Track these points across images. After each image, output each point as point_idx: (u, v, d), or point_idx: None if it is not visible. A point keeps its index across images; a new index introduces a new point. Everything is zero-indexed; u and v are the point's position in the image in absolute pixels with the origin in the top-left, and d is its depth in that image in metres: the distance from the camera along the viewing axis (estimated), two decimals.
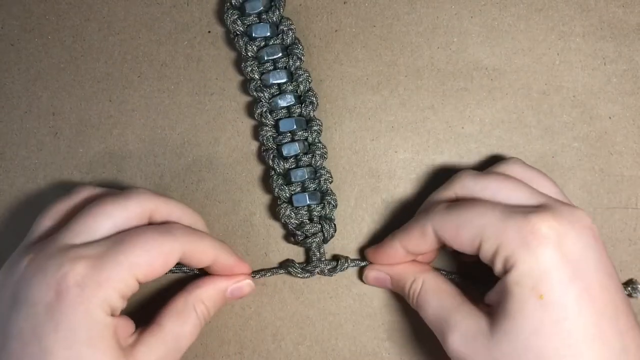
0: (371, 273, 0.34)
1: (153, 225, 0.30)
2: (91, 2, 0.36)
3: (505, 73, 0.35)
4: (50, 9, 0.37)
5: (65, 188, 0.35)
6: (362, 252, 0.35)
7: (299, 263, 0.34)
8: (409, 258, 0.32)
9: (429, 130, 0.35)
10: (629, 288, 0.33)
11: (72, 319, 0.26)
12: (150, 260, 0.28)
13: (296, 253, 0.35)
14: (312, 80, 0.34)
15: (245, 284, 0.33)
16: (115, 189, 0.32)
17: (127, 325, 0.29)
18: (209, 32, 0.36)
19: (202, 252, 0.31)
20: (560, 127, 0.35)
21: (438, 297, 0.30)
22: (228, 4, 0.34)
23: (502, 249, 0.27)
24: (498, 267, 0.28)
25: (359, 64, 0.36)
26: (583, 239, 0.27)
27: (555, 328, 0.26)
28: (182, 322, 0.30)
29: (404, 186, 0.35)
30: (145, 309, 0.34)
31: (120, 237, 0.28)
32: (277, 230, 0.36)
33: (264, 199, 0.36)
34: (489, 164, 0.35)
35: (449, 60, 0.35)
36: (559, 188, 0.31)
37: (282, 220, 0.34)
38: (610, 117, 0.35)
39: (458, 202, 0.30)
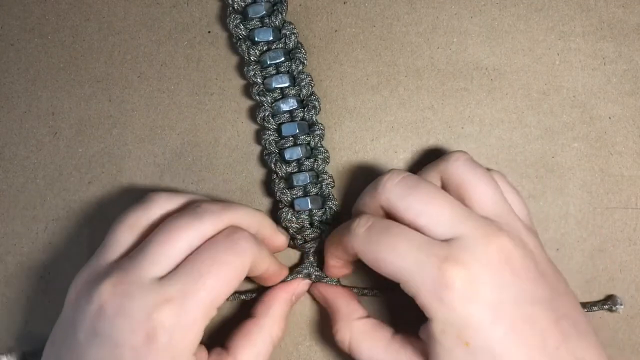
0: (315, 292, 0.34)
1: (222, 243, 0.29)
2: (91, 2, 0.36)
3: (505, 73, 0.35)
4: (50, 9, 0.37)
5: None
6: None
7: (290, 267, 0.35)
8: (349, 261, 0.32)
9: (429, 130, 0.35)
10: (609, 303, 0.33)
11: None
12: (230, 285, 0.28)
13: (294, 253, 0.35)
14: (314, 84, 0.34)
15: (304, 283, 0.34)
16: (188, 196, 0.31)
17: (202, 353, 0.29)
18: (209, 32, 0.36)
19: (261, 261, 0.30)
20: (560, 127, 0.35)
21: (371, 349, 0.30)
22: (230, 9, 0.34)
23: (419, 299, 0.27)
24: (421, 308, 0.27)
25: (359, 64, 0.36)
26: (498, 278, 0.26)
27: None
28: (256, 352, 0.30)
29: None
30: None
31: (198, 269, 0.27)
32: None
33: (264, 199, 0.35)
34: (489, 165, 0.35)
35: (449, 60, 0.35)
36: (494, 190, 0.30)
37: (283, 224, 0.34)
38: (610, 117, 0.35)
39: (378, 226, 0.28)
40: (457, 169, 0.30)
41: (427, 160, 0.35)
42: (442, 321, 0.26)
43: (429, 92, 0.35)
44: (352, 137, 0.35)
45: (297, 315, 0.35)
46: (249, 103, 0.36)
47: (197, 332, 0.27)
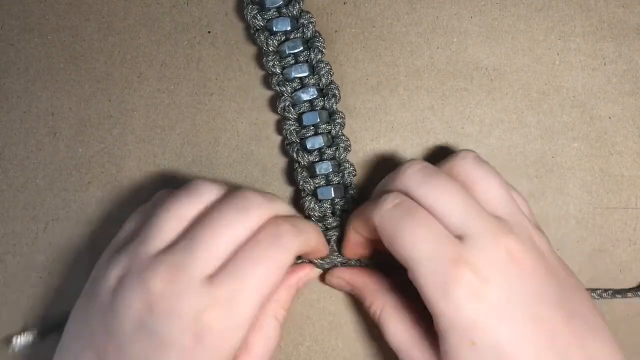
0: (333, 280, 0.34)
1: (266, 240, 0.28)
2: (91, 2, 0.36)
3: (505, 73, 0.35)
4: (50, 9, 0.37)
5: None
6: None
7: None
8: (370, 239, 0.32)
9: (428, 130, 0.35)
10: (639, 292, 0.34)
11: None
12: (276, 282, 0.28)
13: None
14: (333, 73, 0.34)
15: (314, 272, 0.33)
16: (227, 187, 0.30)
17: None
18: (209, 32, 0.36)
19: (306, 248, 0.30)
20: (560, 127, 0.35)
21: (398, 325, 0.30)
22: (247, 0, 0.34)
23: (424, 293, 0.27)
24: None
25: (359, 65, 0.36)
26: (506, 279, 0.27)
27: None
28: (267, 338, 0.30)
29: None
30: None
31: (244, 270, 0.27)
32: None
33: None
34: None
35: (449, 60, 0.35)
36: (501, 186, 0.30)
37: (306, 212, 0.34)
38: (610, 117, 0.35)
39: (405, 205, 0.28)
40: (465, 167, 0.30)
41: (427, 160, 0.35)
42: (447, 319, 0.26)
43: (429, 92, 0.35)
44: (352, 137, 0.35)
45: (296, 315, 0.35)
46: (248, 103, 0.36)
47: (243, 332, 0.27)
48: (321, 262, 0.33)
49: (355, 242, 0.32)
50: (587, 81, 0.35)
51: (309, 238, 0.30)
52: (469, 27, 0.36)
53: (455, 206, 0.28)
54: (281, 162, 0.36)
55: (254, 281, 0.27)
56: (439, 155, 0.35)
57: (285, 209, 0.30)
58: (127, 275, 0.27)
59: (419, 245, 0.27)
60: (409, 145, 0.35)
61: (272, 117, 0.36)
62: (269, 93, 0.36)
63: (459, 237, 0.27)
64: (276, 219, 0.29)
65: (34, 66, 0.36)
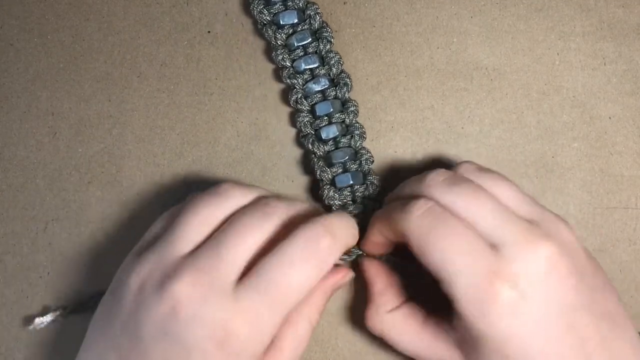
0: (361, 266, 0.33)
1: (301, 245, 0.27)
2: (91, 2, 0.36)
3: (505, 73, 0.35)
4: (50, 9, 0.37)
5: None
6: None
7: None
8: (392, 241, 0.31)
9: (429, 130, 0.35)
10: None
11: None
12: (304, 294, 0.27)
13: None
14: (343, 62, 0.34)
15: (349, 276, 0.32)
16: (257, 190, 0.30)
17: None
18: (209, 32, 0.36)
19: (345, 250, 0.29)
20: (560, 127, 0.35)
21: (404, 337, 0.30)
22: None
23: (458, 306, 0.26)
24: (455, 310, 0.27)
25: (359, 64, 0.36)
26: (544, 291, 0.26)
27: None
28: (299, 340, 0.29)
29: None
30: None
31: (274, 276, 0.26)
32: None
33: None
34: (489, 165, 0.35)
35: (448, 60, 0.35)
36: (515, 187, 0.29)
37: (326, 202, 0.33)
38: (610, 117, 0.35)
39: (436, 212, 0.27)
40: (474, 175, 0.29)
41: (427, 160, 0.35)
42: (482, 333, 0.26)
43: (429, 92, 0.35)
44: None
45: None
46: (249, 103, 0.36)
47: (269, 338, 0.27)
48: (343, 257, 0.32)
49: (377, 242, 0.31)
50: (587, 81, 0.35)
51: (347, 241, 0.29)
52: (469, 27, 0.36)
53: (486, 213, 0.27)
54: (281, 162, 0.36)
55: (284, 289, 0.26)
56: (439, 155, 0.35)
57: (315, 214, 0.30)
58: (151, 278, 0.27)
59: (454, 257, 0.26)
60: (409, 145, 0.35)
61: (272, 117, 0.36)
62: (269, 92, 0.36)
63: (493, 246, 0.27)
64: (315, 223, 0.28)
65: (33, 66, 0.36)
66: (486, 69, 0.35)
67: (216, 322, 0.25)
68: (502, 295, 0.25)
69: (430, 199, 0.28)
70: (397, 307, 0.31)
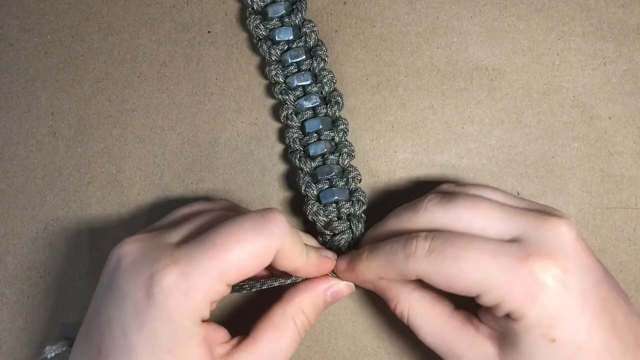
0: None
1: (251, 220, 0.27)
2: (91, 2, 0.36)
3: (505, 73, 0.35)
4: (50, 9, 0.37)
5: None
6: None
7: None
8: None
9: (428, 130, 0.35)
10: None
11: (155, 324, 0.26)
12: (242, 264, 0.27)
13: None
14: (336, 81, 0.34)
15: (345, 285, 0.32)
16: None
17: (219, 333, 0.28)
18: (209, 32, 0.36)
19: (296, 253, 0.29)
20: (560, 127, 0.35)
21: (431, 322, 0.29)
22: (250, 9, 0.34)
23: (506, 303, 0.26)
24: (500, 314, 0.27)
25: (359, 64, 0.36)
26: (579, 262, 0.26)
27: None
28: (279, 336, 0.29)
29: (403, 186, 0.35)
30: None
31: (212, 238, 0.27)
32: None
33: (264, 199, 0.35)
34: (489, 165, 0.35)
35: (449, 60, 0.35)
36: (501, 190, 0.30)
37: (310, 217, 0.33)
38: (610, 117, 0.35)
39: (440, 243, 0.27)
40: (459, 191, 0.29)
41: (427, 160, 0.35)
42: (529, 322, 0.26)
43: (429, 92, 0.35)
44: (352, 137, 0.35)
45: None
46: (248, 103, 0.36)
47: (197, 300, 0.26)
48: (285, 280, 0.32)
49: (372, 281, 0.31)
50: (587, 81, 0.35)
51: (292, 243, 0.28)
52: (469, 27, 0.35)
53: (494, 214, 0.27)
54: (281, 162, 0.36)
55: (218, 253, 0.26)
56: (439, 156, 0.35)
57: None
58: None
59: (481, 270, 0.26)
60: (409, 145, 0.35)
61: (273, 117, 0.36)
62: (269, 92, 0.36)
63: (513, 240, 0.27)
64: (273, 209, 0.28)
65: (33, 66, 0.36)
66: (486, 69, 0.35)
67: (147, 271, 0.26)
68: (545, 275, 0.26)
69: (431, 227, 0.28)
70: (424, 291, 0.30)
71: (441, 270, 0.27)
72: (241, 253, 0.26)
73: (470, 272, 0.26)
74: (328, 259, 0.31)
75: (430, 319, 0.29)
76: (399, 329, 0.35)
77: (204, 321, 0.27)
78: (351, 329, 0.35)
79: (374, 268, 0.29)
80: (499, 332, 0.28)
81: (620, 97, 0.35)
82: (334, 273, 0.32)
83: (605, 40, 0.35)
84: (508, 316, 0.27)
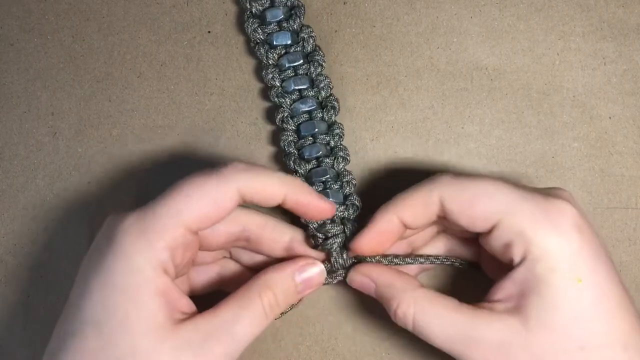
0: (357, 277, 0.31)
1: (206, 171, 0.28)
2: (91, 2, 0.36)
3: (505, 73, 0.35)
4: (50, 9, 0.37)
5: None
6: None
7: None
8: (400, 234, 0.30)
9: (429, 130, 0.35)
10: None
11: (111, 265, 0.26)
12: (198, 208, 0.27)
13: None
14: (333, 86, 0.34)
15: (317, 272, 0.31)
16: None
17: (183, 300, 0.28)
18: (209, 32, 0.36)
19: (264, 189, 0.28)
20: (560, 127, 0.35)
21: (442, 314, 0.27)
22: (248, 13, 0.34)
23: (527, 232, 0.26)
24: (515, 254, 0.26)
25: (359, 64, 0.36)
26: (586, 220, 0.27)
27: (595, 310, 0.26)
28: (240, 307, 0.28)
29: (404, 186, 0.35)
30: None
31: (170, 188, 0.28)
32: None
33: None
34: (489, 165, 0.35)
35: (448, 60, 0.35)
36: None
37: (303, 220, 0.32)
38: (610, 117, 0.35)
39: (467, 175, 0.28)
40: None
41: (427, 160, 0.35)
42: (554, 256, 0.26)
43: (429, 92, 0.35)
44: (352, 137, 0.35)
45: (296, 315, 0.35)
46: (248, 103, 0.36)
47: (153, 241, 0.26)
48: (328, 267, 0.32)
49: (386, 231, 0.30)
50: (587, 81, 0.35)
51: (257, 177, 0.28)
52: (469, 27, 0.36)
53: (500, 189, 0.28)
54: (281, 162, 0.36)
55: (172, 201, 0.27)
56: (439, 156, 0.35)
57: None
58: None
59: (505, 193, 0.27)
60: (409, 145, 0.35)
61: (272, 117, 0.36)
62: (266, 95, 0.36)
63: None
64: (230, 162, 0.29)
65: (33, 66, 0.36)
66: (486, 69, 0.35)
67: (112, 222, 0.28)
68: (564, 206, 0.26)
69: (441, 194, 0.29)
70: (427, 289, 0.29)
71: (465, 190, 0.27)
72: (192, 193, 0.27)
73: (495, 192, 0.27)
74: (324, 203, 0.30)
75: (440, 311, 0.28)
76: (399, 329, 0.35)
77: (170, 280, 0.27)
78: (351, 329, 0.35)
79: (393, 206, 0.29)
80: (516, 299, 0.27)
81: (621, 97, 0.35)
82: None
83: (605, 40, 0.35)
84: (528, 262, 0.26)
